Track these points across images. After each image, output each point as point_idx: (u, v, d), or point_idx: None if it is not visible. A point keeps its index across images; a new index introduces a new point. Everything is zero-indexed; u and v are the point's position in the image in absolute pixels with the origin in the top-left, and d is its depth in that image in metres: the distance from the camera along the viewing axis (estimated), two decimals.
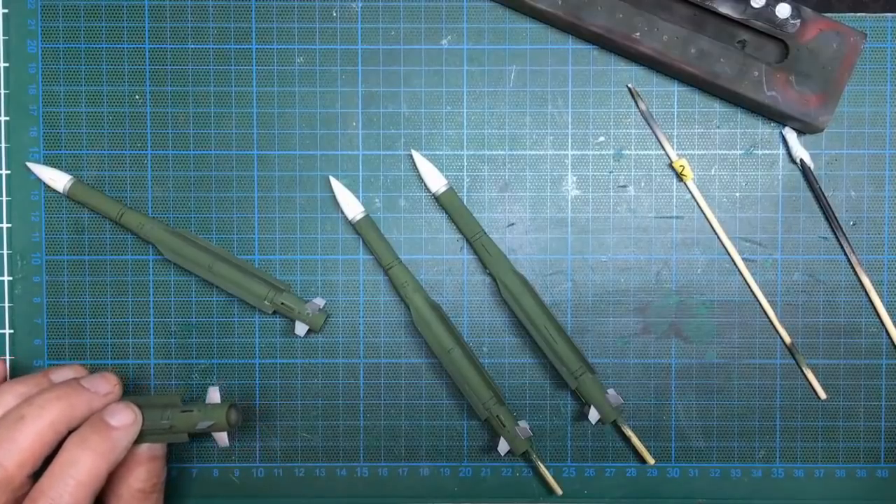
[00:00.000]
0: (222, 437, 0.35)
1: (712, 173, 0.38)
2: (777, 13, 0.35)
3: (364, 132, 0.38)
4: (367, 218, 0.37)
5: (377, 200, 0.38)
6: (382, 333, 0.38)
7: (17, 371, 0.38)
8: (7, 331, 0.38)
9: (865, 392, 0.38)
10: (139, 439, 0.33)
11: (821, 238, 0.38)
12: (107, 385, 0.33)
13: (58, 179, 0.37)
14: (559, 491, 0.38)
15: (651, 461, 0.38)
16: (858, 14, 0.38)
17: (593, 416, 0.36)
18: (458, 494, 0.38)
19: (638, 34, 0.36)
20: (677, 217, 0.38)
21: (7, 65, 0.38)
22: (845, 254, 0.38)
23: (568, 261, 0.38)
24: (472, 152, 0.38)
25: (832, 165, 0.38)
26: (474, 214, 0.38)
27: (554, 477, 0.38)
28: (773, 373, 0.38)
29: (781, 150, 0.38)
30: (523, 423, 0.37)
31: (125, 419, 0.32)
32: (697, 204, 0.38)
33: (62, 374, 0.34)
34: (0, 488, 0.29)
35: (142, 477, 0.34)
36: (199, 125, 0.38)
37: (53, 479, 0.30)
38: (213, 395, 0.35)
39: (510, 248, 0.38)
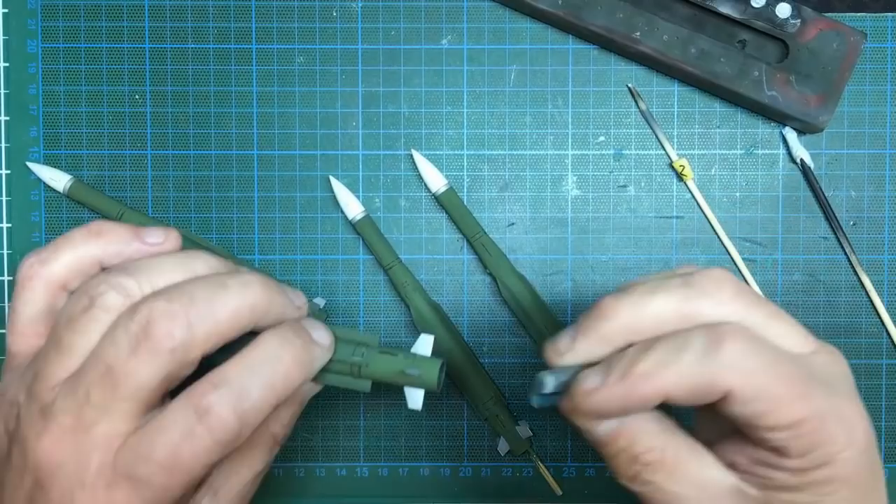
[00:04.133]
0: (418, 398, 0.28)
1: (712, 173, 0.38)
2: (777, 13, 0.35)
3: (364, 132, 0.38)
4: (367, 218, 0.37)
5: (377, 200, 0.38)
6: (382, 333, 0.38)
7: None
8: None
9: (865, 392, 0.38)
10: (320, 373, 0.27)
11: (821, 238, 0.38)
12: (301, 300, 0.28)
13: (58, 179, 0.37)
14: (559, 491, 0.38)
15: None
16: (858, 14, 0.38)
17: None
18: (458, 494, 0.38)
19: (638, 34, 0.36)
20: (677, 217, 0.38)
21: (7, 65, 0.38)
22: (845, 254, 0.38)
23: (568, 261, 0.38)
24: (472, 152, 0.38)
25: (832, 165, 0.38)
26: (474, 214, 0.38)
27: (554, 477, 0.38)
28: None
29: (781, 150, 0.38)
30: (523, 423, 0.37)
31: (324, 338, 0.27)
32: (697, 204, 0.38)
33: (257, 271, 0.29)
34: (176, 353, 0.23)
35: (284, 420, 0.28)
36: (199, 125, 0.38)
37: (243, 368, 0.24)
38: (427, 343, 0.28)
39: (510, 248, 0.38)
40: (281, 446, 0.28)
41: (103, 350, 0.24)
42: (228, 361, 0.24)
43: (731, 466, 0.24)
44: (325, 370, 0.27)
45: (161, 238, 0.27)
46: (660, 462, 0.24)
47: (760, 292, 0.38)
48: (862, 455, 0.23)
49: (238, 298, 0.25)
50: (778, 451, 0.23)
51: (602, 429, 0.24)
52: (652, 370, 0.22)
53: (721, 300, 0.24)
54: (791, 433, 0.23)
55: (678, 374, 0.22)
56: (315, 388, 0.28)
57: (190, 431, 0.23)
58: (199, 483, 0.25)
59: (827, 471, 0.23)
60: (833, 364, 0.25)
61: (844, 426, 0.23)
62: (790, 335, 0.24)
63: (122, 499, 0.23)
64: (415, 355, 0.27)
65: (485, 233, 0.37)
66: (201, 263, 0.26)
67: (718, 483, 0.24)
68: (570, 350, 0.24)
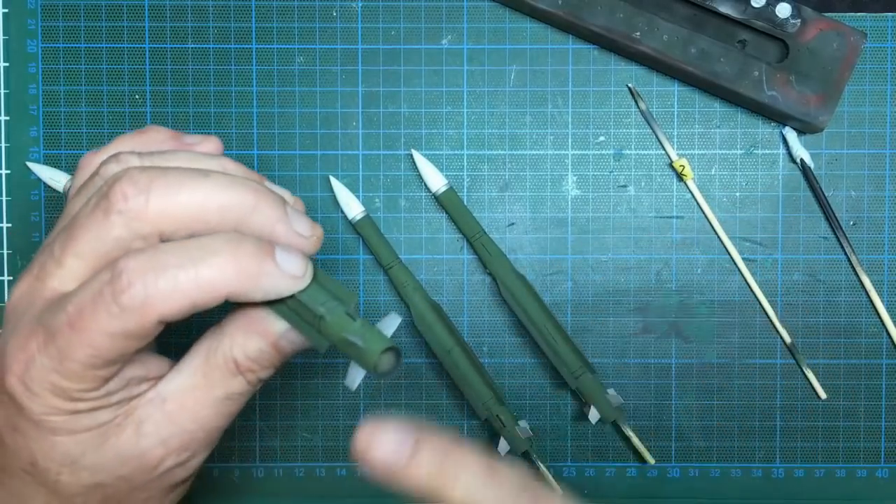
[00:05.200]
0: (355, 376, 0.25)
1: (712, 173, 0.38)
2: (777, 13, 0.35)
3: (364, 132, 0.38)
4: (367, 218, 0.37)
5: (377, 200, 0.38)
6: None
7: None
8: None
9: (865, 392, 0.38)
10: (279, 308, 0.25)
11: (821, 238, 0.38)
12: (307, 229, 0.25)
13: (58, 179, 0.37)
14: (559, 491, 0.37)
15: (651, 461, 0.38)
16: (858, 14, 0.38)
17: (593, 415, 0.36)
18: None
19: (638, 34, 0.36)
20: (677, 217, 0.38)
21: (7, 65, 0.38)
22: (845, 254, 0.38)
23: (568, 261, 0.38)
24: (472, 152, 0.38)
25: (832, 165, 0.38)
26: (474, 214, 0.38)
27: (554, 477, 0.38)
28: (773, 373, 0.38)
29: (781, 150, 0.38)
30: (523, 423, 0.37)
31: (293, 267, 0.24)
32: (697, 204, 0.38)
33: (277, 188, 0.27)
34: (124, 216, 0.22)
35: (249, 350, 0.25)
36: (199, 125, 0.38)
37: (175, 248, 0.22)
38: (390, 324, 0.26)
39: (510, 248, 0.38)
40: (252, 385, 0.26)
41: (73, 206, 0.24)
42: (170, 242, 0.23)
43: None
44: (287, 308, 0.24)
45: (199, 139, 0.27)
46: None
47: (760, 292, 0.38)
48: None
49: (212, 190, 0.23)
50: None
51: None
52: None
53: None
54: None
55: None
56: (299, 341, 0.25)
57: (99, 292, 0.22)
58: (112, 366, 0.23)
59: None
60: None
61: None
62: None
63: (34, 347, 0.23)
64: (371, 327, 0.24)
65: (485, 233, 0.37)
66: (216, 163, 0.25)
67: None
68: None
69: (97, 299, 0.22)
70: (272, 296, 0.24)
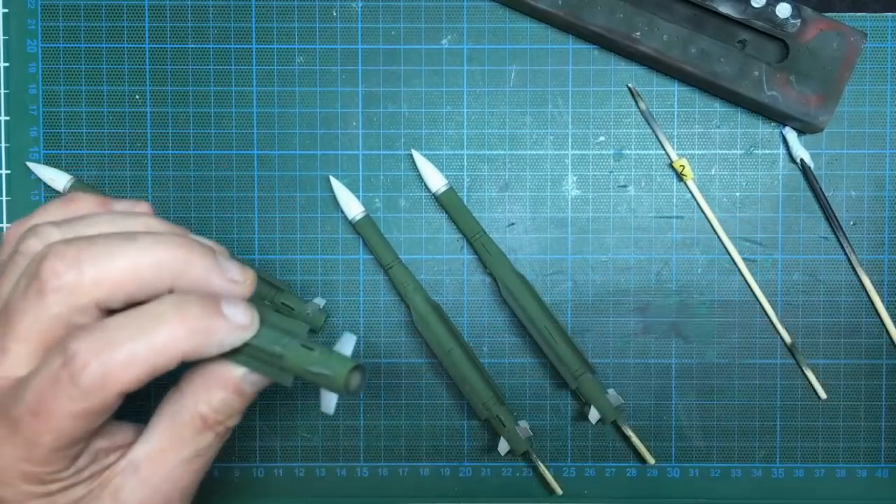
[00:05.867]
0: (329, 401, 0.26)
1: (712, 173, 0.38)
2: (777, 13, 0.35)
3: (364, 132, 0.38)
4: (367, 218, 0.37)
5: (377, 200, 0.38)
6: (382, 333, 0.38)
7: None
8: None
9: (865, 392, 0.38)
10: (236, 357, 0.25)
11: (821, 238, 0.38)
12: (239, 274, 0.25)
13: (58, 179, 0.37)
14: (559, 491, 0.37)
15: (651, 461, 0.38)
16: (858, 14, 0.38)
17: (593, 416, 0.36)
18: (458, 494, 0.38)
19: (638, 34, 0.36)
20: (677, 217, 0.38)
21: (7, 65, 0.38)
22: (845, 254, 0.38)
23: (568, 261, 0.38)
24: (472, 152, 0.38)
25: (832, 165, 0.38)
26: (474, 214, 0.38)
27: (554, 477, 0.38)
28: (773, 373, 0.38)
29: (781, 150, 0.38)
30: (523, 423, 0.37)
31: (241, 317, 0.24)
32: (697, 204, 0.38)
33: (202, 240, 0.27)
34: (62, 293, 0.23)
35: (213, 403, 0.25)
36: (199, 125, 0.38)
37: (124, 320, 0.23)
38: (347, 345, 0.26)
39: (510, 248, 0.38)
40: (220, 436, 0.26)
41: (4, 289, 0.24)
42: (115, 315, 0.23)
43: None
44: (244, 355, 0.25)
45: (128, 206, 0.27)
46: None
47: (760, 292, 0.38)
48: None
49: (141, 252, 0.23)
50: None
51: None
52: None
53: None
54: None
55: None
56: (261, 381, 0.26)
57: (56, 377, 0.22)
58: (79, 444, 0.24)
59: None
60: None
61: None
62: None
63: (0, 439, 0.23)
64: (330, 353, 0.25)
65: (485, 233, 0.37)
66: (140, 223, 0.26)
67: None
68: None
69: (55, 384, 0.22)
70: (226, 348, 0.24)
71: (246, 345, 0.25)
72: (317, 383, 0.25)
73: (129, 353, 0.22)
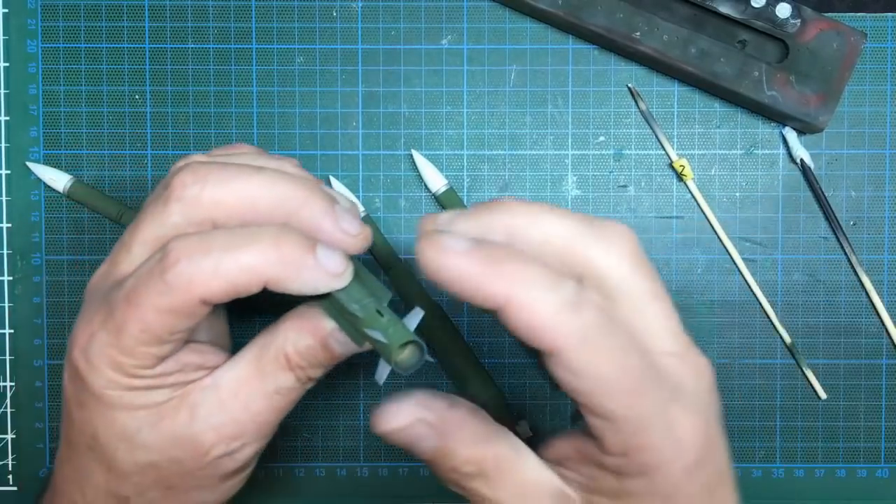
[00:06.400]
0: (382, 371, 0.25)
1: (712, 173, 0.38)
2: (777, 13, 0.35)
3: (364, 132, 0.38)
4: (367, 218, 0.37)
5: (377, 200, 0.38)
6: None
7: (16, 370, 0.38)
8: (7, 331, 0.38)
9: (865, 392, 0.38)
10: (323, 304, 0.25)
11: (821, 238, 0.38)
12: (352, 227, 0.25)
13: (58, 179, 0.37)
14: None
15: None
16: (858, 14, 0.38)
17: None
18: (458, 494, 0.38)
19: (638, 34, 0.36)
20: (677, 217, 0.38)
21: (7, 65, 0.38)
22: (845, 254, 0.38)
23: None
24: (472, 152, 0.38)
25: (832, 165, 0.38)
26: None
27: None
28: (773, 373, 0.38)
29: (781, 150, 0.38)
30: (523, 424, 0.37)
31: (332, 265, 0.24)
32: (697, 204, 0.38)
33: (334, 191, 0.27)
34: (183, 202, 0.24)
35: (299, 346, 0.25)
36: (199, 125, 0.38)
37: (222, 234, 0.23)
38: (413, 318, 0.26)
39: None
40: (302, 383, 0.26)
41: (148, 201, 0.26)
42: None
43: (560, 462, 0.24)
44: (331, 305, 0.25)
45: (279, 159, 0.28)
46: (478, 471, 0.24)
47: (760, 292, 0.38)
48: (688, 475, 0.22)
49: (264, 183, 0.24)
50: (598, 441, 0.22)
51: (423, 446, 0.24)
52: (516, 279, 0.21)
53: (612, 252, 0.23)
54: (610, 425, 0.21)
55: (531, 301, 0.21)
56: (348, 344, 0.26)
57: (150, 270, 0.23)
58: (164, 344, 0.24)
59: (645, 482, 0.22)
60: (692, 375, 0.23)
61: (672, 439, 0.22)
62: (661, 328, 0.23)
63: (96, 323, 0.24)
64: (396, 322, 0.24)
65: None
66: (275, 162, 0.27)
67: (539, 486, 0.24)
68: (448, 223, 0.23)
69: (148, 276, 0.23)
70: (309, 290, 0.24)
71: (331, 295, 0.25)
72: (377, 350, 0.25)
73: (216, 262, 0.23)
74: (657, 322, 0.23)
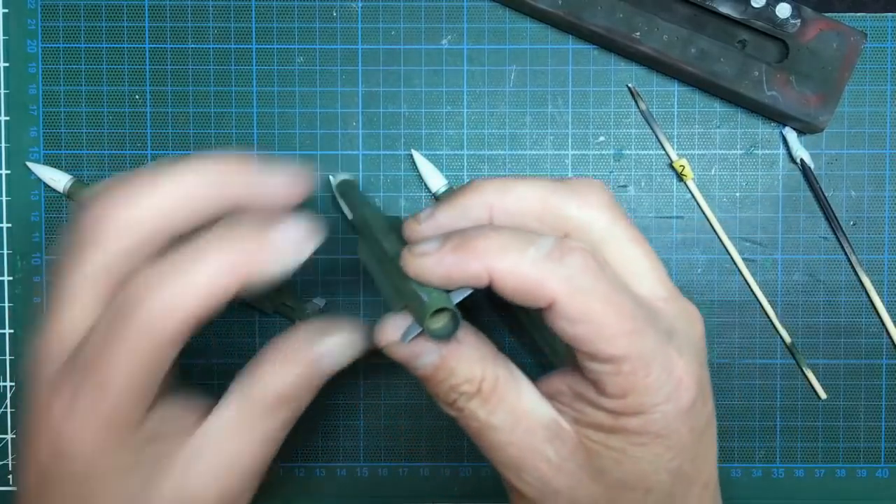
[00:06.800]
0: (409, 332, 0.25)
1: (712, 173, 0.38)
2: (777, 13, 0.35)
3: (364, 132, 0.38)
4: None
5: (377, 200, 0.38)
6: None
7: (16, 370, 0.38)
8: (7, 331, 0.38)
9: (865, 392, 0.38)
10: (361, 250, 0.25)
11: (821, 238, 0.38)
12: (283, 181, 0.24)
13: (58, 179, 0.37)
14: None
15: None
16: (858, 14, 0.38)
17: None
18: (458, 494, 0.38)
19: (638, 34, 0.36)
20: (677, 217, 0.38)
21: (7, 65, 0.38)
22: (845, 254, 0.38)
23: None
24: (472, 152, 0.38)
25: (832, 165, 0.38)
26: None
27: None
28: (773, 373, 0.38)
29: (781, 150, 0.38)
30: None
31: (292, 235, 0.23)
32: (697, 204, 0.38)
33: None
34: (99, 248, 0.23)
35: (287, 380, 0.26)
36: (199, 125, 0.38)
37: (164, 261, 0.22)
38: (460, 293, 0.24)
39: None
40: (293, 416, 0.26)
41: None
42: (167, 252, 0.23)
43: (554, 397, 0.24)
44: (375, 256, 0.24)
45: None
46: (476, 391, 0.24)
47: (760, 292, 0.38)
48: (682, 416, 0.22)
49: (164, 190, 0.23)
50: (596, 385, 0.22)
51: (424, 362, 0.24)
52: (489, 250, 0.22)
53: (589, 202, 0.23)
54: (609, 368, 0.22)
55: (511, 264, 0.21)
56: (343, 358, 0.26)
57: (112, 321, 0.22)
58: (147, 390, 0.23)
59: (640, 420, 0.22)
60: (683, 319, 0.24)
61: (668, 380, 0.22)
62: (648, 272, 0.24)
63: (68, 390, 0.23)
64: (439, 294, 0.23)
65: None
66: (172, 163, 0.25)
67: (534, 414, 0.24)
68: (429, 218, 0.24)
69: (114, 327, 0.22)
70: (283, 269, 0.23)
71: (378, 242, 0.24)
72: (411, 310, 0.24)
73: (171, 297, 0.21)
74: (644, 266, 0.24)
